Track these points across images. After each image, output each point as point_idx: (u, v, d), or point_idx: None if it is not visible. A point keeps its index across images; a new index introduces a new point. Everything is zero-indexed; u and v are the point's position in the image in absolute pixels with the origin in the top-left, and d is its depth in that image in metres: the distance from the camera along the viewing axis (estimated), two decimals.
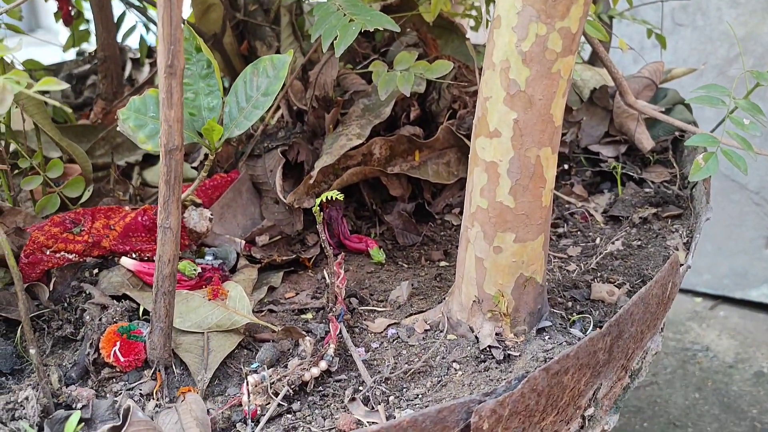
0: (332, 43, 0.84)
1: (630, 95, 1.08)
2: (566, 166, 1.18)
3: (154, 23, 1.37)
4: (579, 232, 1.05)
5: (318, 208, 0.79)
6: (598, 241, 1.01)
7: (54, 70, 1.75)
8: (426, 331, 0.82)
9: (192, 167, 1.14)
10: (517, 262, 0.74)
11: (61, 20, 1.39)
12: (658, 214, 1.04)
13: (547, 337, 0.78)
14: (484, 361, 0.75)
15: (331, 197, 0.75)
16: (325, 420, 0.70)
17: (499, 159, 0.70)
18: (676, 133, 1.16)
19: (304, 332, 0.78)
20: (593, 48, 1.05)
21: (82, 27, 1.45)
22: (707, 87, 1.02)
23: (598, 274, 0.93)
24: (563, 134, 1.19)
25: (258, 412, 0.70)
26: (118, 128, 0.81)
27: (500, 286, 0.76)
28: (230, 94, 0.84)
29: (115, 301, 0.82)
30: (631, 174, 1.13)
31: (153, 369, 0.74)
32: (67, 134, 1.15)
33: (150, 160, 1.38)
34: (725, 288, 2.05)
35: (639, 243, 0.99)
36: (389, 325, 0.84)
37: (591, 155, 1.18)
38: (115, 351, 0.73)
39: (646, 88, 1.21)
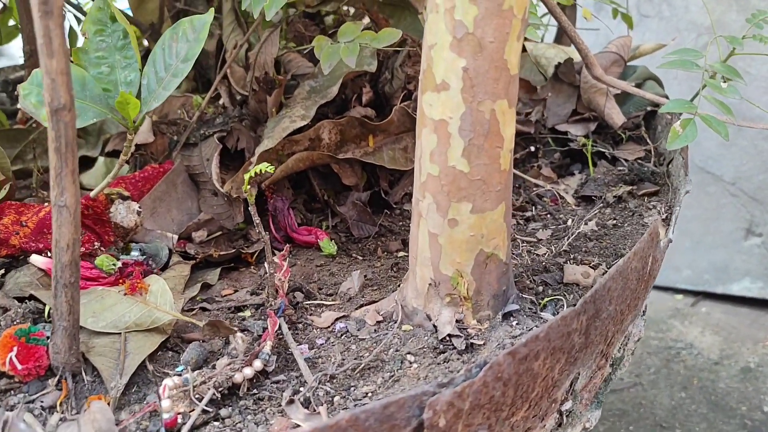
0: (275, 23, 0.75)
1: (597, 67, 1.00)
2: (532, 148, 1.09)
3: (84, 13, 1.27)
4: (549, 215, 0.96)
5: (249, 185, 0.70)
6: (569, 222, 0.93)
7: None
8: (378, 322, 0.72)
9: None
10: (475, 236, 0.65)
11: None
12: (633, 192, 0.96)
13: (514, 323, 0.69)
14: (444, 352, 0.66)
15: (262, 171, 0.65)
16: (258, 426, 0.59)
17: (448, 116, 0.61)
18: (648, 108, 1.09)
19: (233, 327, 0.68)
20: (554, 15, 0.97)
21: (11, 23, 1.34)
22: (679, 51, 0.94)
23: (571, 256, 0.84)
24: (527, 114, 1.10)
25: (179, 421, 0.59)
26: (18, 105, 0.71)
27: (458, 265, 0.66)
28: (148, 65, 0.74)
29: (17, 302, 0.71)
30: (603, 151, 1.05)
31: (58, 377, 0.63)
32: None
33: (86, 164, 1.28)
34: (706, 283, 1.97)
35: (614, 222, 0.91)
36: (337, 319, 0.74)
37: (559, 135, 1.10)
38: (10, 357, 0.62)
39: (614, 64, 1.14)
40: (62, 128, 0.54)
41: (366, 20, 1.18)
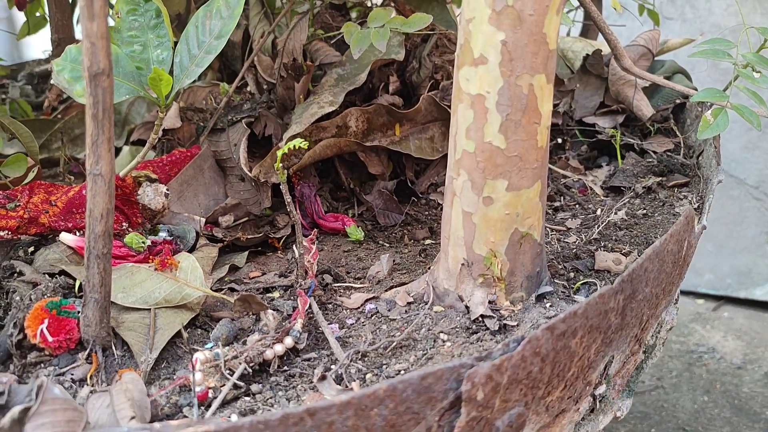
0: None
1: (626, 58, 0.99)
2: (560, 140, 1.08)
3: (111, 5, 1.28)
4: (577, 205, 0.95)
5: (281, 165, 0.69)
6: (598, 212, 0.92)
7: (15, 69, 1.66)
8: (409, 303, 0.71)
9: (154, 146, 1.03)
10: (510, 215, 0.64)
11: (14, 6, 1.29)
12: (663, 184, 0.95)
13: (548, 305, 0.68)
14: (477, 332, 0.65)
15: (296, 147, 0.65)
16: (290, 402, 0.59)
17: (486, 90, 0.60)
18: (677, 101, 1.07)
19: (265, 303, 0.67)
20: (583, 5, 0.97)
21: (38, 13, 1.35)
22: (711, 41, 0.93)
23: (602, 244, 0.83)
24: (555, 105, 1.10)
25: (210, 395, 0.59)
26: (51, 81, 0.71)
27: (492, 244, 0.65)
28: (181, 42, 0.74)
29: (48, 277, 0.71)
30: (631, 143, 1.04)
31: (88, 350, 0.63)
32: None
33: None
34: (728, 288, 1.95)
35: (644, 212, 0.89)
36: (367, 300, 0.73)
37: (586, 127, 1.09)
38: (42, 329, 0.62)
39: (642, 57, 1.13)
40: (100, 94, 0.53)
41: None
